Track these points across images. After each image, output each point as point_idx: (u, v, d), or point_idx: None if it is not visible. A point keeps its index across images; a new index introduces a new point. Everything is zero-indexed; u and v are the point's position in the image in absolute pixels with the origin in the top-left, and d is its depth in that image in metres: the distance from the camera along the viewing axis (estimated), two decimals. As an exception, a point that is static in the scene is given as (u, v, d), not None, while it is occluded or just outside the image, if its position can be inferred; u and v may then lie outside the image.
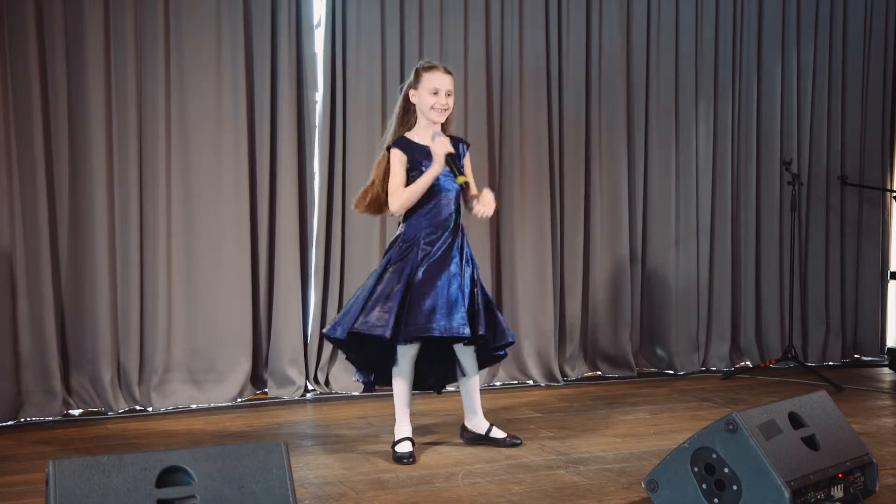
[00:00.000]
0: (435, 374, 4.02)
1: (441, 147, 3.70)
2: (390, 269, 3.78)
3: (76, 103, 4.53)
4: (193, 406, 4.78)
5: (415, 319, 3.67)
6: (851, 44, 6.34)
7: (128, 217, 4.64)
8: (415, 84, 3.82)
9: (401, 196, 3.75)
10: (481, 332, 3.75)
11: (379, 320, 3.68)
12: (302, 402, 4.96)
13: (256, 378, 5.04)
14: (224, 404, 4.81)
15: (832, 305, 6.36)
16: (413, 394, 3.92)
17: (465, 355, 3.91)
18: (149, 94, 4.68)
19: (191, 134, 4.78)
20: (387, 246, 3.96)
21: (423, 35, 5.25)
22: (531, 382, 5.46)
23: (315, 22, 5.09)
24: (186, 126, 4.77)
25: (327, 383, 5.11)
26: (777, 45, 6.13)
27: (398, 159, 3.78)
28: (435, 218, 3.80)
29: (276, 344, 4.99)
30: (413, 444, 3.83)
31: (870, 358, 6.47)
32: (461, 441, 4.08)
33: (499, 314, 3.92)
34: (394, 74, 5.19)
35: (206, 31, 4.79)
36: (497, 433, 4.02)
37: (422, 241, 3.77)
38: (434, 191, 3.78)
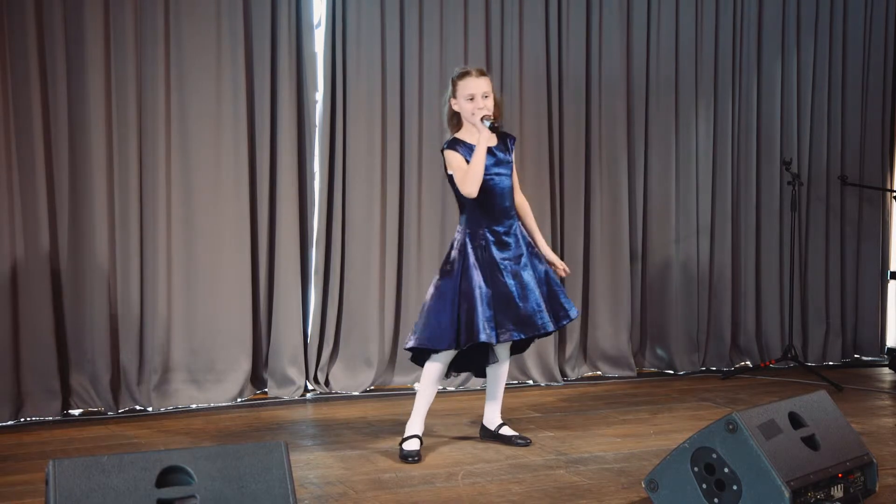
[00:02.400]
0: (473, 360, 4.05)
1: (479, 115, 3.80)
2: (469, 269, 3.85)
3: (76, 103, 4.53)
4: (193, 406, 4.78)
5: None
6: (851, 44, 6.34)
7: (128, 217, 4.64)
8: (453, 94, 3.91)
9: (466, 177, 3.79)
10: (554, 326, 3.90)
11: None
12: (302, 402, 4.96)
13: (256, 378, 5.04)
14: (224, 404, 4.81)
15: (832, 305, 6.36)
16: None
17: (502, 344, 3.96)
18: (149, 94, 4.68)
19: (191, 134, 4.78)
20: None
21: (423, 35, 5.25)
22: (531, 382, 5.46)
23: (315, 22, 5.09)
24: (186, 126, 4.77)
25: (327, 383, 5.11)
26: (777, 45, 6.13)
27: (452, 156, 3.86)
28: (492, 212, 3.89)
29: (276, 344, 4.99)
30: (421, 443, 3.86)
31: (870, 358, 6.47)
32: (462, 440, 4.08)
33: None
34: (394, 74, 5.19)
35: (206, 31, 4.79)
36: (507, 430, 4.08)
37: (487, 238, 3.86)
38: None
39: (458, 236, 3.90)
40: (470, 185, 3.77)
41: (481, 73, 3.90)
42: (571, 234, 5.61)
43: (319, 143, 5.09)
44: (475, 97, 3.83)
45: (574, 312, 3.98)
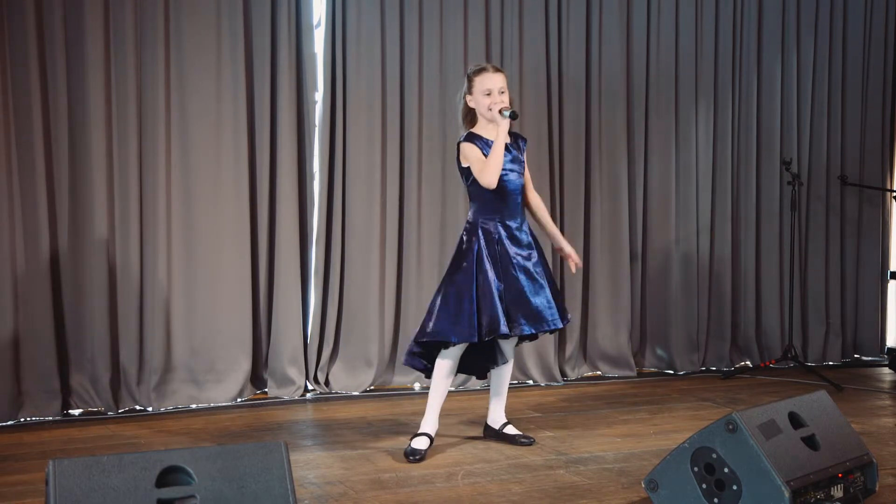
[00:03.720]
0: (478, 359, 4.07)
1: (495, 110, 3.83)
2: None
3: (76, 103, 4.53)
4: (193, 406, 4.78)
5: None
6: (851, 44, 6.34)
7: (128, 217, 4.64)
8: (469, 90, 3.94)
9: (486, 167, 3.80)
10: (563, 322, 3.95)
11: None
12: (302, 402, 4.96)
13: (256, 378, 5.04)
14: (224, 404, 4.81)
15: (832, 305, 6.36)
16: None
17: (509, 340, 3.99)
18: (149, 94, 4.68)
19: (191, 134, 4.78)
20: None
21: (423, 35, 5.25)
22: (531, 382, 5.46)
23: (315, 22, 5.09)
24: (186, 126, 4.77)
25: (327, 383, 5.11)
26: (777, 45, 6.13)
27: (469, 148, 3.88)
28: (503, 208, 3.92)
29: (276, 344, 4.99)
30: (431, 443, 3.86)
31: (870, 358, 6.47)
32: (462, 440, 4.08)
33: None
34: (394, 74, 5.19)
35: (206, 31, 4.79)
36: (511, 430, 4.10)
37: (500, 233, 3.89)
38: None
39: (469, 230, 3.91)
40: (490, 176, 3.79)
41: (497, 70, 3.93)
42: (571, 234, 5.60)
43: (319, 143, 5.09)
44: (492, 92, 3.86)
45: (568, 316, 4.05)
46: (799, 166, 6.18)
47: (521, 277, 3.85)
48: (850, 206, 6.39)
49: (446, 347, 3.85)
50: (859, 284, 6.45)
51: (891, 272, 6.43)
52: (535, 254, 3.94)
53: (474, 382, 5.24)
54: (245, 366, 4.89)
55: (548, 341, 5.43)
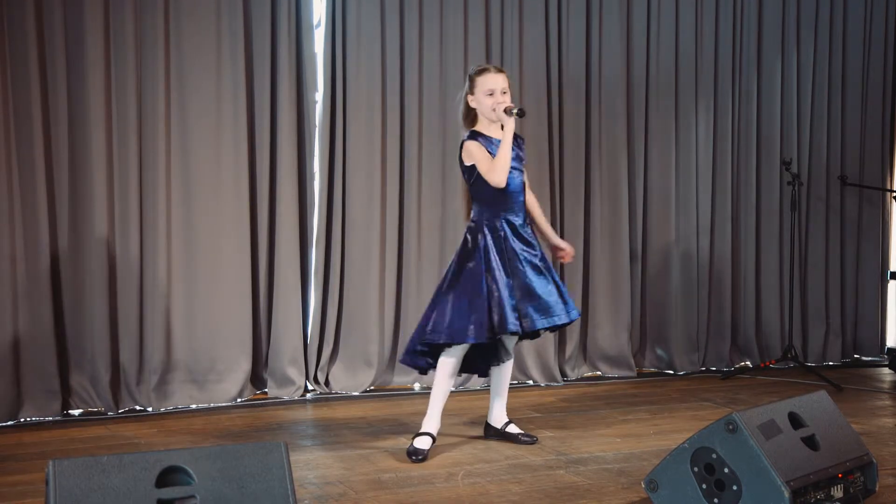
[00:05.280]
0: (480, 357, 4.08)
1: (499, 110, 3.85)
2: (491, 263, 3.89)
3: (76, 103, 4.53)
4: (193, 406, 4.78)
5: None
6: (851, 44, 6.33)
7: (128, 217, 4.64)
8: (470, 90, 3.94)
9: (494, 166, 3.82)
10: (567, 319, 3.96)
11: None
12: (302, 402, 4.96)
13: (256, 378, 5.04)
14: (224, 404, 4.81)
15: (832, 305, 6.36)
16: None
17: (511, 338, 4.00)
18: (149, 94, 4.68)
19: (191, 134, 4.78)
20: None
21: (423, 35, 5.25)
22: (531, 382, 5.46)
23: (315, 22, 5.09)
24: (186, 126, 4.77)
25: (327, 383, 5.11)
26: (777, 45, 6.13)
27: (475, 147, 3.88)
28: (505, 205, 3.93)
29: (276, 344, 4.99)
30: (433, 442, 3.86)
31: (870, 358, 6.47)
32: (462, 440, 4.08)
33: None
34: (394, 74, 5.19)
35: (206, 31, 4.79)
36: (513, 429, 4.11)
37: (505, 230, 3.91)
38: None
39: (473, 229, 3.92)
40: (499, 175, 3.80)
41: (499, 70, 3.94)
42: (571, 234, 5.60)
43: (319, 143, 5.09)
44: (494, 93, 3.87)
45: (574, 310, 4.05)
46: (799, 166, 6.18)
47: (529, 272, 3.87)
48: (850, 206, 6.39)
49: (450, 346, 3.86)
50: (859, 284, 6.45)
51: (891, 272, 6.43)
52: (539, 250, 3.97)
53: (474, 382, 5.25)
54: (245, 366, 4.89)
55: (548, 341, 5.43)
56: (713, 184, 5.99)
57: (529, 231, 3.99)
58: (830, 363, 6.31)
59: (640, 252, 5.86)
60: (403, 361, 4.02)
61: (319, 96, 5.08)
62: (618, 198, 5.72)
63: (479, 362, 4.09)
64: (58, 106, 4.49)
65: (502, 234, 3.88)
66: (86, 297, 4.57)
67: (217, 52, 4.81)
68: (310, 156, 5.10)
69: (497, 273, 3.82)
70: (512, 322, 3.77)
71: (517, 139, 4.02)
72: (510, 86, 3.95)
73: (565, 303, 3.94)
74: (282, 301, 4.99)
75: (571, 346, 5.62)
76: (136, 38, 4.62)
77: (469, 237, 3.91)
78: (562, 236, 5.55)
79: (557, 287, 3.95)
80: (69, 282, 4.55)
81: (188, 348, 4.78)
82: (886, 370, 6.11)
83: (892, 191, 6.45)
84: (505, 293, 3.79)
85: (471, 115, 3.98)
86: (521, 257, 3.88)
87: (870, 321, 6.48)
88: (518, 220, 3.93)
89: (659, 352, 5.95)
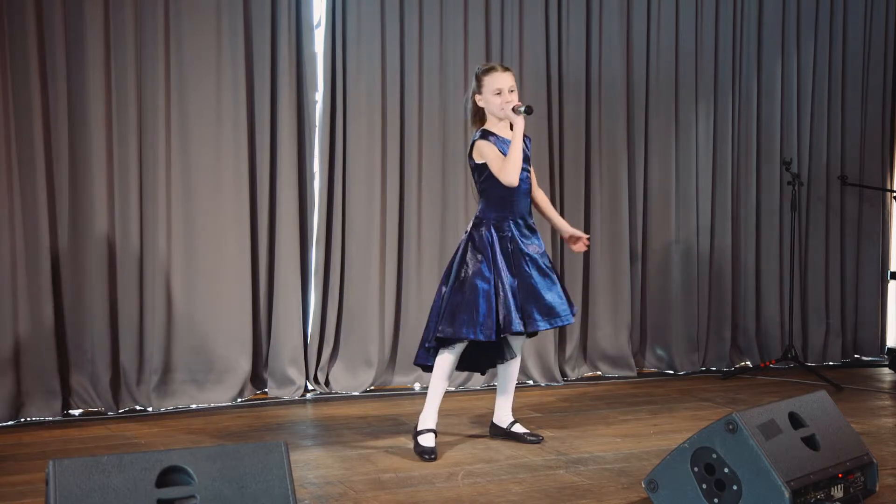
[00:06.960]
0: (482, 356, 4.08)
1: (508, 108, 3.86)
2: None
3: (76, 103, 4.53)
4: (193, 406, 4.78)
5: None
6: (851, 44, 6.34)
7: (128, 217, 4.64)
8: (478, 90, 3.95)
9: (506, 166, 3.82)
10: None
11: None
12: (302, 402, 4.96)
13: (256, 378, 5.04)
14: (224, 404, 4.81)
15: (832, 305, 6.36)
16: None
17: (518, 337, 3.99)
18: (149, 94, 4.68)
19: (191, 133, 4.78)
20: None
21: (423, 35, 5.25)
22: (531, 382, 5.46)
23: (315, 22, 5.09)
24: (186, 125, 4.77)
25: (327, 383, 5.11)
26: (777, 45, 6.13)
27: (487, 146, 3.89)
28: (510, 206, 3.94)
29: (276, 344, 4.99)
30: (436, 437, 3.87)
31: (870, 358, 6.47)
32: (462, 440, 4.08)
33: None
34: (394, 74, 5.19)
35: (206, 31, 4.79)
36: (519, 428, 4.12)
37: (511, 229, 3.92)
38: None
39: (477, 224, 3.92)
40: (511, 174, 3.81)
41: (506, 69, 3.95)
42: (571, 234, 5.61)
43: (319, 143, 5.09)
44: (502, 91, 3.88)
45: (574, 310, 4.05)
46: (799, 166, 6.18)
47: (534, 273, 3.88)
48: (850, 206, 6.39)
49: (455, 343, 3.86)
50: (859, 284, 6.45)
51: (891, 272, 6.43)
52: (543, 249, 3.98)
53: (474, 382, 5.25)
54: (245, 366, 4.89)
55: (548, 341, 5.43)
56: (713, 184, 5.99)
57: (536, 229, 3.99)
58: (830, 363, 6.31)
59: (640, 252, 5.86)
60: (419, 360, 4.00)
61: (319, 96, 5.08)
62: (618, 198, 5.72)
63: (480, 360, 4.09)
64: (58, 106, 4.49)
65: (508, 234, 3.89)
66: (86, 297, 4.57)
67: (217, 51, 4.81)
68: (310, 155, 5.10)
69: (502, 273, 3.82)
70: (516, 322, 3.78)
71: (525, 138, 4.02)
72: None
73: (570, 304, 3.96)
74: (282, 301, 4.99)
75: (571, 346, 5.62)
76: (136, 37, 4.62)
77: (473, 233, 3.91)
78: (562, 236, 5.58)
79: (561, 287, 3.96)
80: (69, 282, 4.55)
81: (188, 348, 4.78)
82: (886, 370, 6.11)
83: (892, 191, 6.45)
84: (510, 293, 3.80)
85: (479, 115, 3.98)
86: (527, 258, 3.88)
87: (870, 321, 6.48)
88: (525, 220, 3.94)
89: (659, 352, 5.95)
